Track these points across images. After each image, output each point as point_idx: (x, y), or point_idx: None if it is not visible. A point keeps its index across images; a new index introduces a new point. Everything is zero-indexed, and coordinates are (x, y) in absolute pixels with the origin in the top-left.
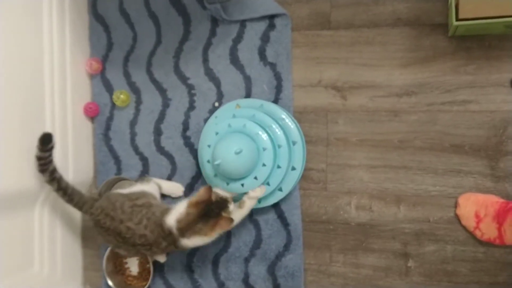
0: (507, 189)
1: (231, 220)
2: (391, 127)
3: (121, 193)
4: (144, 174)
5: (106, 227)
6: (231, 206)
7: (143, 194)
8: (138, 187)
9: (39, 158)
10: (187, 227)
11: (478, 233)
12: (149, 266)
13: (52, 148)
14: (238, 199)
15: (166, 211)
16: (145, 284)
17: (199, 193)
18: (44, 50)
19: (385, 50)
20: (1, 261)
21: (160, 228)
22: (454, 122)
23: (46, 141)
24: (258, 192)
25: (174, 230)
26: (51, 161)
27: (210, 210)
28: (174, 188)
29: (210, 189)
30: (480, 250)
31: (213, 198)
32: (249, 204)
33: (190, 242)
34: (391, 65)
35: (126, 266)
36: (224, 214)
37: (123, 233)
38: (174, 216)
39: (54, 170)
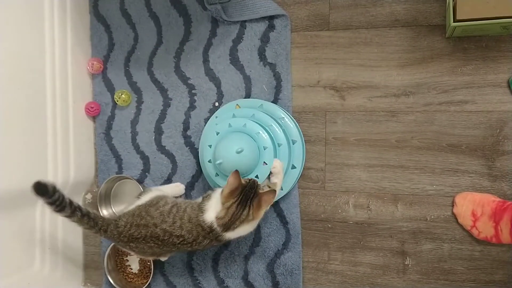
0: (504, 188)
1: (273, 190)
2: (389, 127)
3: (139, 205)
4: (145, 173)
5: (141, 236)
6: (262, 183)
7: (159, 198)
8: (148, 196)
9: (50, 204)
10: (231, 220)
11: (474, 232)
12: (150, 264)
13: (54, 191)
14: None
15: (199, 210)
16: (146, 282)
17: (229, 182)
18: (45, 50)
19: (383, 51)
20: (2, 259)
21: (199, 227)
22: (451, 122)
23: (40, 191)
24: (278, 165)
25: (216, 227)
26: (63, 199)
27: (246, 194)
28: (176, 189)
29: (238, 174)
30: (476, 249)
31: (244, 184)
32: (277, 181)
33: (235, 233)
34: (389, 66)
35: (127, 263)
36: (261, 190)
37: (161, 236)
38: (212, 213)
39: (70, 203)
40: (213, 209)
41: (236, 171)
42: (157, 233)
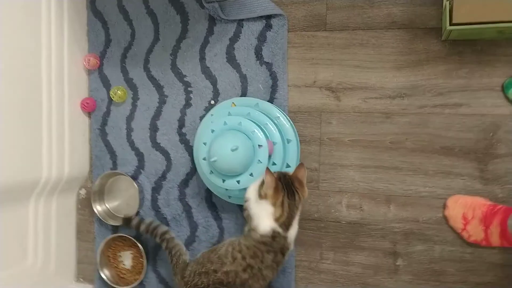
0: (496, 191)
1: (301, 164)
2: (383, 128)
3: (203, 252)
4: (140, 169)
5: (204, 285)
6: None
7: (222, 243)
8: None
9: (143, 233)
10: (289, 214)
11: (465, 235)
12: (143, 260)
13: (139, 222)
14: None
15: (252, 230)
16: (138, 278)
17: (269, 181)
18: (42, 45)
19: (379, 52)
20: None
21: (261, 245)
22: (445, 124)
23: (127, 222)
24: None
25: (279, 229)
26: (153, 227)
27: (286, 183)
28: None
29: (270, 170)
30: (467, 251)
31: (277, 176)
32: None
33: (293, 230)
34: (385, 68)
35: (120, 259)
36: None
37: (225, 280)
38: (267, 221)
39: (163, 233)
40: (264, 218)
41: (267, 168)
42: (219, 278)
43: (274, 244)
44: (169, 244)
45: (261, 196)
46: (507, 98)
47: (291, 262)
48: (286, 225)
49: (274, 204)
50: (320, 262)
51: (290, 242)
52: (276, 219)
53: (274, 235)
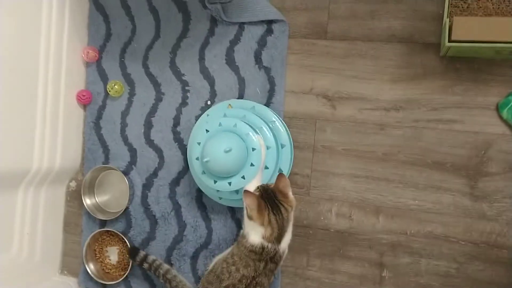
0: (484, 209)
1: (280, 174)
2: (377, 139)
3: (205, 274)
4: (132, 165)
5: None
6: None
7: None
8: (212, 262)
9: (146, 269)
10: (280, 229)
11: None
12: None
13: (144, 258)
14: None
15: (243, 239)
16: (123, 274)
17: (249, 203)
18: (41, 34)
19: (377, 64)
20: None
21: (252, 254)
22: (438, 139)
23: (133, 254)
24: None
25: (269, 245)
26: (156, 267)
27: (269, 198)
28: None
29: (248, 192)
30: (453, 266)
31: (259, 194)
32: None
33: (285, 241)
34: (382, 80)
35: (106, 254)
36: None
37: None
38: (256, 237)
39: (165, 273)
40: (254, 233)
41: (245, 190)
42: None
43: (264, 254)
44: (172, 284)
45: (249, 217)
46: (501, 117)
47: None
48: (278, 240)
49: (262, 225)
50: (306, 269)
51: (283, 252)
52: (266, 237)
53: (263, 247)
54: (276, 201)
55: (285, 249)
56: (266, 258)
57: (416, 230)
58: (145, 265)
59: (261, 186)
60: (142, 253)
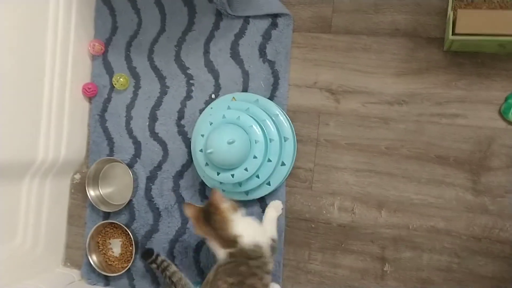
0: (486, 203)
1: (214, 189)
2: (380, 133)
3: None
4: (136, 158)
5: None
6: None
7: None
8: None
9: (155, 268)
10: (219, 239)
11: None
12: (132, 248)
13: (157, 256)
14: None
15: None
16: (126, 266)
17: (187, 214)
18: (48, 27)
19: (380, 58)
20: None
21: (227, 264)
22: (441, 134)
23: (146, 256)
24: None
25: (232, 250)
26: (163, 267)
27: (208, 215)
28: None
29: (187, 204)
30: (454, 261)
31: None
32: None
33: (249, 236)
34: (385, 74)
35: (109, 246)
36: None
37: None
38: (218, 250)
39: (172, 274)
40: (215, 248)
41: (185, 203)
42: None
43: (238, 258)
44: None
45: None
46: (508, 122)
47: (278, 261)
48: (233, 242)
49: (210, 240)
50: (308, 262)
51: (255, 246)
52: (222, 246)
53: (231, 254)
54: (209, 216)
55: (258, 241)
56: (243, 260)
57: (418, 225)
58: (153, 265)
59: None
60: (154, 255)
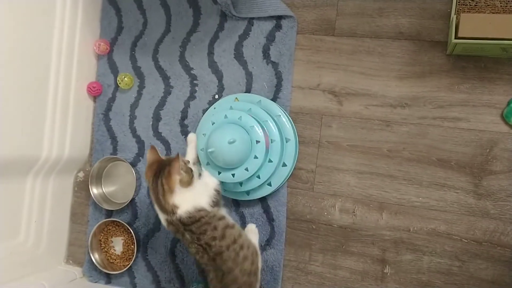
0: (488, 207)
1: (177, 157)
2: (382, 136)
3: None
4: (139, 157)
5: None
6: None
7: None
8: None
9: None
10: (157, 200)
11: None
12: (134, 247)
13: None
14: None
15: None
16: (127, 264)
17: (147, 157)
18: (55, 26)
19: (384, 61)
20: None
21: (181, 230)
22: (443, 137)
23: None
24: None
25: (169, 217)
26: None
27: (161, 167)
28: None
29: (152, 149)
30: (455, 264)
31: (163, 157)
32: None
33: (183, 206)
34: (388, 76)
35: (111, 244)
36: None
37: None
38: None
39: None
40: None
41: (152, 146)
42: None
43: (177, 227)
44: None
45: None
46: (510, 126)
47: (279, 261)
48: (160, 207)
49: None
50: (308, 263)
51: (200, 208)
52: (161, 210)
53: (168, 222)
54: (159, 174)
55: (197, 205)
56: (181, 229)
57: (419, 227)
58: None
59: (173, 157)
60: None
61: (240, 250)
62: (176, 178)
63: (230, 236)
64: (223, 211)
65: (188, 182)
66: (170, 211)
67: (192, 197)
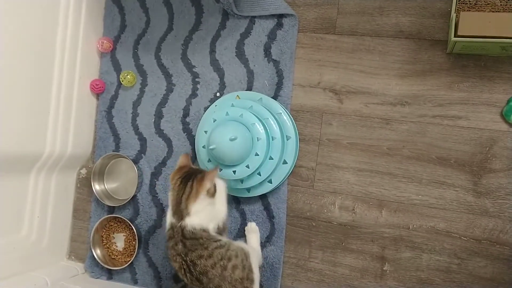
0: (487, 205)
1: (216, 168)
2: (382, 134)
3: None
4: (141, 154)
5: None
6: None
7: None
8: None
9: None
10: (177, 200)
11: None
12: (135, 243)
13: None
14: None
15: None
16: (129, 260)
17: (180, 160)
18: (58, 23)
19: (384, 59)
20: None
21: (177, 238)
22: (443, 135)
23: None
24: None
25: (175, 221)
26: None
27: (191, 173)
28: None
29: (188, 155)
30: (454, 262)
31: (193, 166)
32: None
33: (194, 218)
34: (389, 75)
35: (113, 241)
36: None
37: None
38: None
39: None
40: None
41: (186, 154)
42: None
43: (176, 234)
44: None
45: None
46: (510, 124)
47: (279, 258)
48: (176, 212)
49: (171, 185)
50: (308, 260)
51: (205, 229)
52: (172, 211)
53: (172, 225)
54: (192, 176)
55: (204, 226)
56: (178, 238)
57: (418, 225)
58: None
59: (202, 169)
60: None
61: (227, 262)
62: (207, 185)
63: (217, 255)
64: (220, 237)
65: (212, 194)
66: (181, 215)
67: (205, 215)
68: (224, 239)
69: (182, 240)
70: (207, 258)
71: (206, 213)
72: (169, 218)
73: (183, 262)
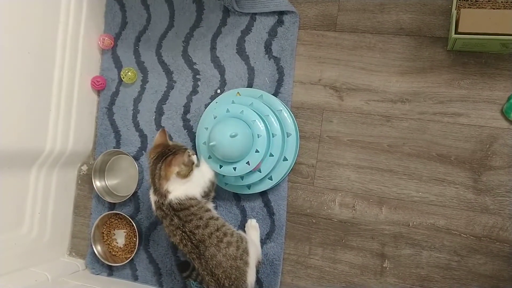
0: (487, 202)
1: (185, 150)
2: (382, 131)
3: None
4: (142, 150)
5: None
6: (192, 155)
7: None
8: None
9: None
10: (153, 180)
11: None
12: (136, 239)
13: (192, 271)
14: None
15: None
16: (129, 257)
17: (156, 137)
18: (60, 20)
19: (385, 56)
20: None
21: (170, 215)
22: (443, 132)
23: (182, 269)
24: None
25: (159, 199)
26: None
27: (165, 152)
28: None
29: (164, 131)
30: (454, 259)
31: (170, 143)
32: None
33: (175, 193)
34: (389, 72)
35: (114, 237)
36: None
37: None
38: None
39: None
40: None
41: (163, 128)
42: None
43: (166, 211)
44: None
45: None
46: (510, 121)
47: (279, 255)
48: (158, 190)
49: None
50: (308, 257)
51: (192, 197)
52: (153, 192)
53: (157, 204)
54: (163, 157)
55: (189, 194)
56: (170, 214)
57: (418, 222)
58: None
59: (181, 146)
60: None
61: (223, 236)
62: (174, 169)
63: (213, 225)
64: (210, 205)
65: (184, 175)
66: (162, 194)
67: (186, 186)
68: (214, 212)
69: (175, 214)
70: (204, 228)
71: (187, 185)
72: (152, 197)
73: (183, 234)
